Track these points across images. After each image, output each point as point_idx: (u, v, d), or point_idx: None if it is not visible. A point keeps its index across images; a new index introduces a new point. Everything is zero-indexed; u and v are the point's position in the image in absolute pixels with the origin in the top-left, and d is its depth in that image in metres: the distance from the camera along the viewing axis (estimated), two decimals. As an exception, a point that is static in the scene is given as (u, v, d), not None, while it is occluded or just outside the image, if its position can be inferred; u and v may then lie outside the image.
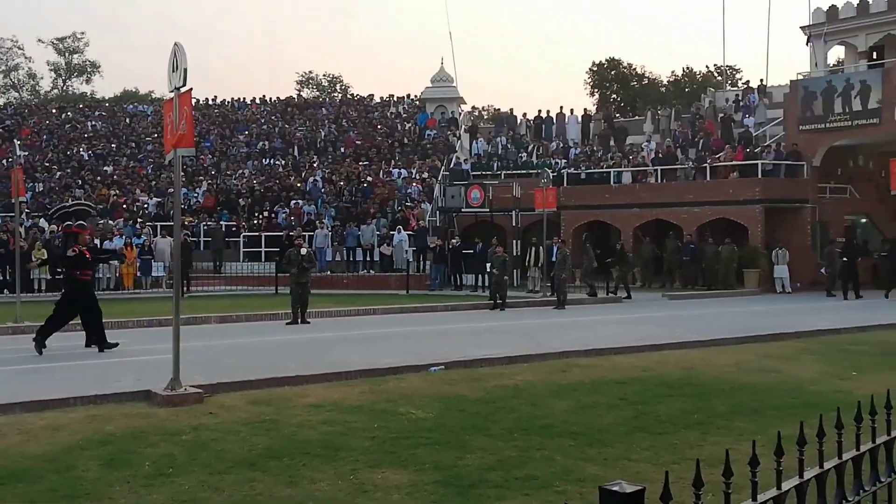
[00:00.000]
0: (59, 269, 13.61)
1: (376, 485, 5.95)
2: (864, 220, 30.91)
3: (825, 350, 12.80)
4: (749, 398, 8.91)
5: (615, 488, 2.29)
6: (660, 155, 31.32)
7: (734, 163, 28.64)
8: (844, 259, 24.41)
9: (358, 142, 37.33)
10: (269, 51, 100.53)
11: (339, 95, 59.05)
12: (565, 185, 30.79)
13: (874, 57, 29.59)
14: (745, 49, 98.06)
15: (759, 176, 27.42)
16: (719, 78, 53.84)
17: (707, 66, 63.56)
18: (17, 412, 8.35)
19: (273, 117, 41.69)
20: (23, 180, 19.62)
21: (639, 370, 10.74)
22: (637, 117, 43.02)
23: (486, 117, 62.76)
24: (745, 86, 37.52)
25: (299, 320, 17.67)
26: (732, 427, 7.56)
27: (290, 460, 6.58)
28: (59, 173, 34.46)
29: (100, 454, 6.79)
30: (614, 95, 64.50)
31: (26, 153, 33.38)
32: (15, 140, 27.22)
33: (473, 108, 63.48)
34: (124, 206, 31.22)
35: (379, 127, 39.40)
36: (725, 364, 11.30)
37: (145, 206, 31.45)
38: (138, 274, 26.15)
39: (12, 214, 21.38)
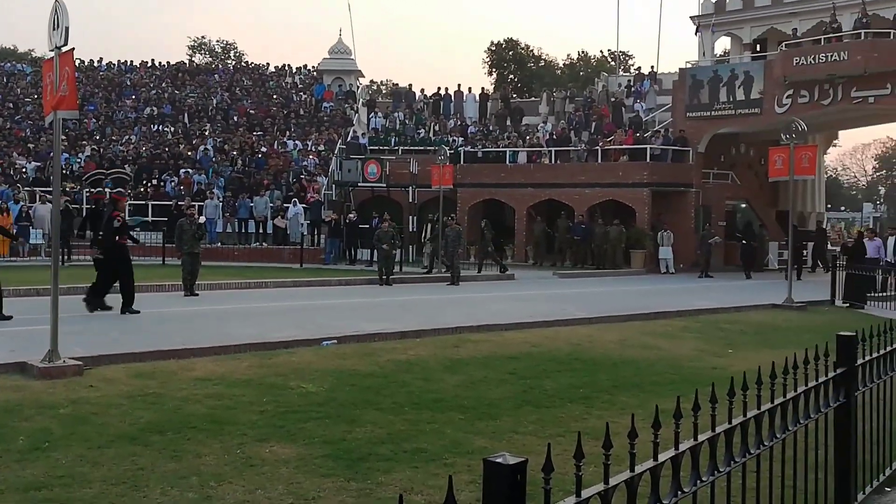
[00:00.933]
0: (99, 234, 13.65)
1: (264, 459, 5.88)
2: (744, 206, 32.41)
3: (704, 328, 13.40)
4: (632, 373, 9.24)
5: (499, 460, 2.32)
6: (554, 136, 31.92)
7: (624, 146, 29.47)
8: (744, 242, 26.24)
9: (252, 111, 36.46)
10: (159, 13, 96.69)
11: (233, 62, 57.41)
12: (462, 162, 30.98)
13: (758, 49, 30.94)
14: (637, 36, 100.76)
15: (648, 160, 28.34)
16: (612, 63, 55.14)
17: (601, 52, 65.13)
18: None
19: (163, 83, 40.17)
20: None
21: (528, 346, 10.97)
22: (533, 98, 43.64)
23: (384, 92, 62.32)
24: (637, 72, 38.63)
25: (188, 292, 17.20)
26: (615, 401, 7.83)
27: (175, 434, 6.43)
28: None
29: (-31, 429, 6.45)
30: (511, 76, 65.17)
31: None
32: None
33: (372, 81, 62.90)
34: (0, 169, 29.53)
35: (274, 97, 38.57)
36: (611, 340, 11.67)
37: (23, 170, 29.84)
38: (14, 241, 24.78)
39: None
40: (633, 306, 16.20)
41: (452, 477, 2.21)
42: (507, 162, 31.07)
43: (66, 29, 9.11)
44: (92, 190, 25.92)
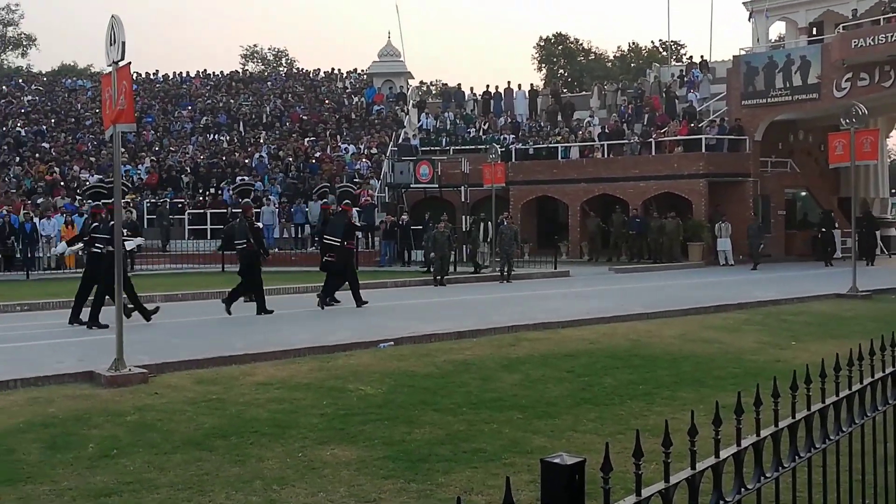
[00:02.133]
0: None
1: (325, 462, 5.95)
2: (803, 194, 31.65)
3: (766, 321, 13.13)
4: (692, 368, 9.10)
5: (556, 460, 2.30)
6: (606, 130, 31.60)
7: (678, 137, 29.04)
8: (823, 230, 26.29)
9: (304, 117, 36.89)
10: (212, 24, 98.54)
11: (285, 69, 58.17)
12: (513, 160, 30.89)
13: (814, 33, 30.18)
14: (689, 25, 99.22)
15: (703, 150, 27.86)
16: (664, 53, 54.41)
17: (652, 42, 64.24)
18: (-47, 396, 8.14)
19: (217, 92, 40.92)
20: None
21: (586, 343, 10.89)
22: (584, 92, 43.26)
23: (433, 92, 62.51)
24: (689, 61, 37.99)
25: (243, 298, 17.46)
26: (676, 397, 7.72)
27: (238, 439, 6.54)
28: (-6, 150, 33.41)
29: (42, 437, 6.66)
30: (561, 70, 64.78)
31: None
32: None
33: (421, 82, 63.04)
34: (63, 183, 30.41)
35: (326, 102, 38.96)
36: (670, 335, 11.52)
37: (86, 182, 30.68)
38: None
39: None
40: (692, 300, 15.94)
41: (511, 477, 2.20)
42: (559, 158, 30.86)
43: (123, 44, 9.32)
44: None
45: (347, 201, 18.95)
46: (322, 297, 15.86)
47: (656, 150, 29.21)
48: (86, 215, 22.75)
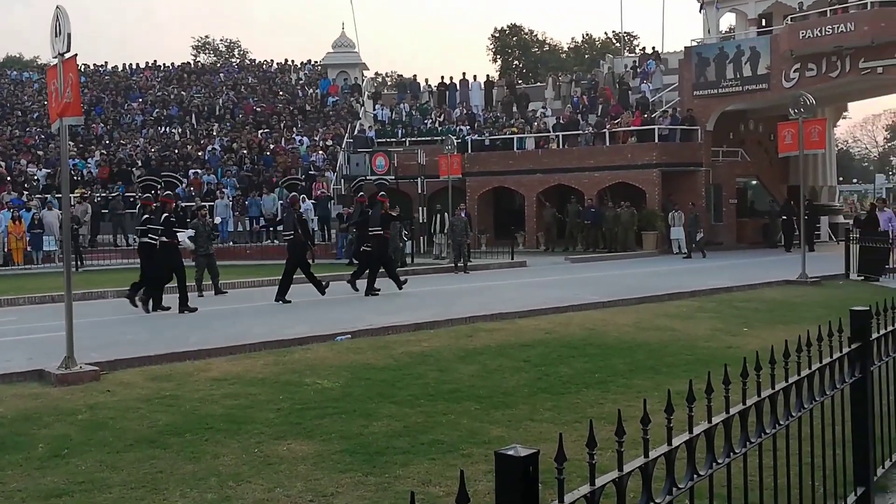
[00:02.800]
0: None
1: (282, 457, 5.90)
2: (754, 182, 32.21)
3: (719, 308, 13.34)
4: (646, 356, 9.21)
5: (510, 452, 2.30)
6: (561, 121, 31.79)
7: (632, 128, 29.34)
8: (784, 217, 27.16)
9: (258, 109, 36.49)
10: (163, 14, 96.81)
11: (238, 61, 57.44)
12: (470, 151, 30.93)
13: (763, 24, 30.67)
14: (641, 16, 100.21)
15: (656, 141, 28.19)
16: (617, 45, 54.89)
17: (605, 33, 64.76)
18: None
19: (168, 84, 40.25)
20: None
21: (542, 332, 10.95)
22: (539, 84, 43.47)
23: (389, 84, 62.26)
24: (642, 52, 38.38)
25: (215, 291, 17.30)
26: (631, 385, 7.81)
27: (193, 436, 6.45)
28: (-64, 144, 32.47)
29: (-11, 438, 6.50)
30: (516, 62, 65.01)
31: None
32: None
33: (376, 74, 62.86)
34: (9, 178, 29.67)
35: (280, 93, 38.58)
36: (625, 324, 11.64)
37: (34, 177, 29.99)
38: (28, 249, 24.97)
39: None
40: (646, 288, 16.14)
41: (468, 468, 2.20)
42: (515, 149, 30.98)
43: (69, 35, 9.12)
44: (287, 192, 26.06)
45: (383, 193, 19.75)
46: (369, 288, 16.59)
47: (610, 140, 29.47)
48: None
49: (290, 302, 15.41)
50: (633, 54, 42.85)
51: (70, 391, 8.07)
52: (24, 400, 7.76)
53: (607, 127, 29.84)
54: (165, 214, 14.66)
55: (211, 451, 6.07)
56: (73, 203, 26.04)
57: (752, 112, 30.69)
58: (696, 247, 25.75)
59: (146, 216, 15.01)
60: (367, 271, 17.06)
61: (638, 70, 34.79)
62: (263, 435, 6.44)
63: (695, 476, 2.91)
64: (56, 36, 9.25)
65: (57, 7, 9.27)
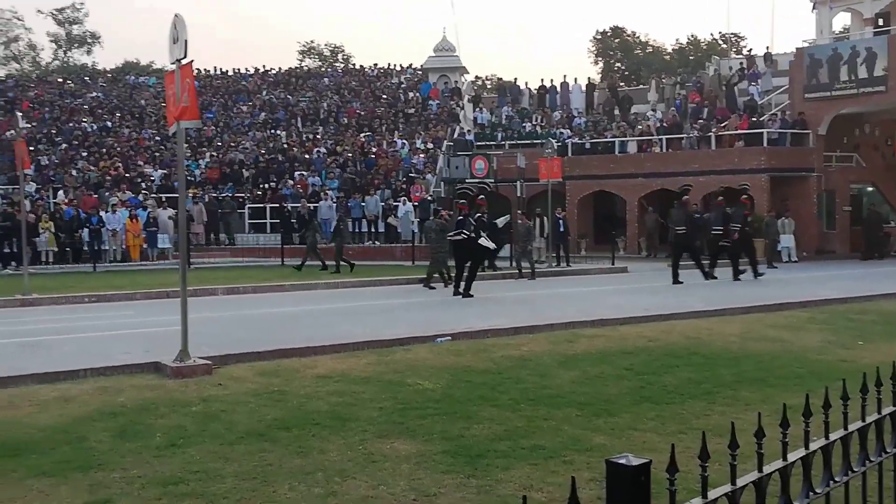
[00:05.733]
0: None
1: (385, 455, 6.02)
2: (870, 189, 30.80)
3: (831, 319, 12.82)
4: (754, 368, 8.95)
5: (622, 461, 2.31)
6: (664, 124, 31.18)
7: (739, 132, 28.51)
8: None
9: (360, 112, 37.19)
10: (271, 20, 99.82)
11: (341, 65, 58.68)
12: (570, 154, 30.69)
13: (880, 24, 29.29)
14: (750, 17, 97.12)
15: (765, 145, 27.31)
16: (724, 46, 53.43)
17: (712, 35, 63.09)
18: (28, 384, 8.44)
19: (275, 88, 41.49)
20: (27, 152, 19.61)
21: (645, 340, 10.79)
22: (641, 86, 42.75)
23: (489, 87, 62.39)
24: (750, 54, 37.23)
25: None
26: (738, 397, 7.61)
27: (300, 431, 6.65)
28: (63, 146, 34.39)
29: (111, 425, 6.86)
30: (618, 64, 64.08)
31: (30, 125, 33.25)
32: (17, 112, 27.14)
33: (476, 77, 63.07)
34: (127, 177, 31.17)
35: (382, 97, 39.21)
36: (731, 333, 11.34)
37: (150, 177, 31.41)
38: (144, 246, 26.20)
39: (16, 186, 21.40)
40: (753, 297, 15.66)
41: (575, 474, 2.21)
42: (617, 152, 30.56)
43: (186, 42, 9.52)
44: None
45: (482, 196, 20.70)
46: (466, 288, 17.20)
47: (716, 144, 28.71)
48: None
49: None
50: (740, 56, 41.60)
51: (184, 384, 8.44)
52: (142, 391, 8.16)
53: (713, 130, 29.09)
54: (478, 216, 17.66)
55: (317, 446, 6.25)
56: (196, 202, 27.23)
57: (869, 115, 29.34)
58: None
59: (459, 218, 17.69)
60: (466, 274, 17.37)
61: (746, 72, 33.77)
62: (367, 433, 6.58)
63: (811, 493, 2.83)
64: (174, 43, 9.67)
65: (175, 15, 9.70)
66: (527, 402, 7.52)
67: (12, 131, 27.55)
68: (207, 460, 5.94)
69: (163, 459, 5.98)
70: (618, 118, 34.16)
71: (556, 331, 11.76)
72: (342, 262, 22.00)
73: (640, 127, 31.99)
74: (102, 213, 25.80)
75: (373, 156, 32.26)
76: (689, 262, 20.28)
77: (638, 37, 65.50)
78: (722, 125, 29.41)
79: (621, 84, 44.22)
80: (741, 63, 35.56)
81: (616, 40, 64.75)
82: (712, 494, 2.42)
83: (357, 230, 28.57)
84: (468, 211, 17.79)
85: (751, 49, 41.25)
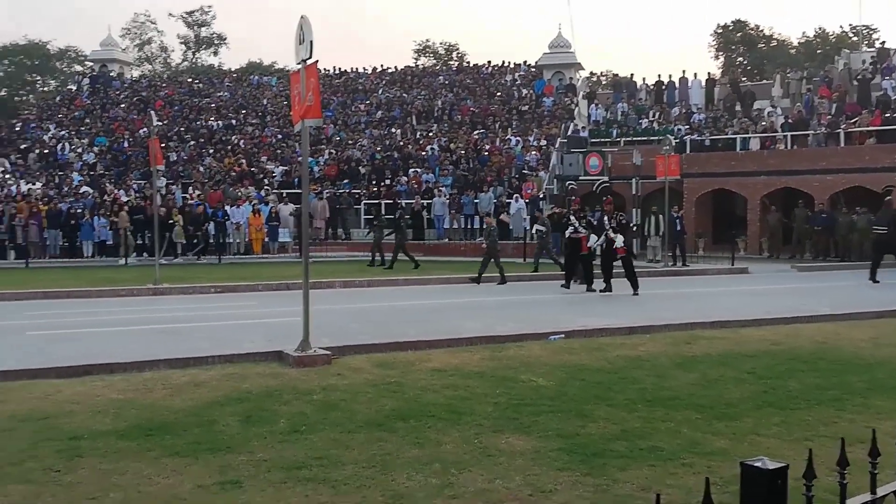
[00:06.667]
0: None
1: (500, 449, 6.05)
2: None
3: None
4: (888, 375, 8.51)
5: (757, 464, 2.26)
6: (789, 120, 29.94)
7: (871, 128, 27.06)
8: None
9: (474, 110, 37.34)
10: (388, 19, 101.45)
11: (456, 63, 59.06)
12: (688, 151, 29.89)
13: None
14: (883, 6, 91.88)
15: (900, 141, 25.81)
16: (854, 38, 50.82)
17: (841, 27, 60.10)
18: (162, 368, 8.91)
19: (392, 86, 42.16)
20: (160, 149, 20.65)
21: (768, 343, 10.42)
22: (765, 81, 41.18)
23: (604, 83, 61.47)
24: (883, 46, 35.27)
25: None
26: (869, 405, 7.25)
27: (416, 422, 6.76)
28: (191, 143, 36.03)
29: (238, 410, 7.16)
30: (740, 59, 61.95)
31: (162, 123, 34.97)
32: (150, 111, 28.66)
33: (591, 73, 62.18)
34: (251, 172, 32.36)
35: (496, 94, 39.25)
36: (861, 339, 10.81)
37: (272, 173, 32.51)
38: (266, 239, 27.18)
39: (148, 182, 22.53)
40: (885, 301, 14.84)
41: (691, 479, 2.18)
42: (738, 149, 29.56)
43: (311, 43, 9.80)
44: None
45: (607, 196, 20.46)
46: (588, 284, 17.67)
47: (846, 141, 27.36)
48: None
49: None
50: (872, 49, 39.47)
51: (306, 373, 8.72)
52: (266, 378, 8.48)
53: (842, 127, 27.73)
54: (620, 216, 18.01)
55: (433, 438, 6.34)
56: (319, 198, 28.06)
57: None
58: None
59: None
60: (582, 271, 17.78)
61: (879, 65, 32.01)
62: (482, 427, 6.63)
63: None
64: (300, 44, 9.97)
65: (301, 17, 9.99)
66: (643, 402, 7.40)
67: (146, 129, 29.10)
68: (328, 447, 6.12)
69: (287, 445, 6.20)
70: (739, 114, 33.02)
71: (673, 331, 11.51)
72: (402, 258, 22.41)
73: (763, 123, 30.82)
74: (227, 208, 26.88)
75: (486, 153, 32.35)
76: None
77: (762, 30, 63.07)
78: (852, 121, 27.99)
79: (743, 79, 42.74)
80: (873, 56, 33.74)
81: (738, 34, 62.55)
82: (851, 503, 2.33)
83: (469, 227, 28.72)
84: (611, 209, 18.03)
85: (884, 41, 39.17)
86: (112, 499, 5.09)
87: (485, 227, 21.57)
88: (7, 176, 29.90)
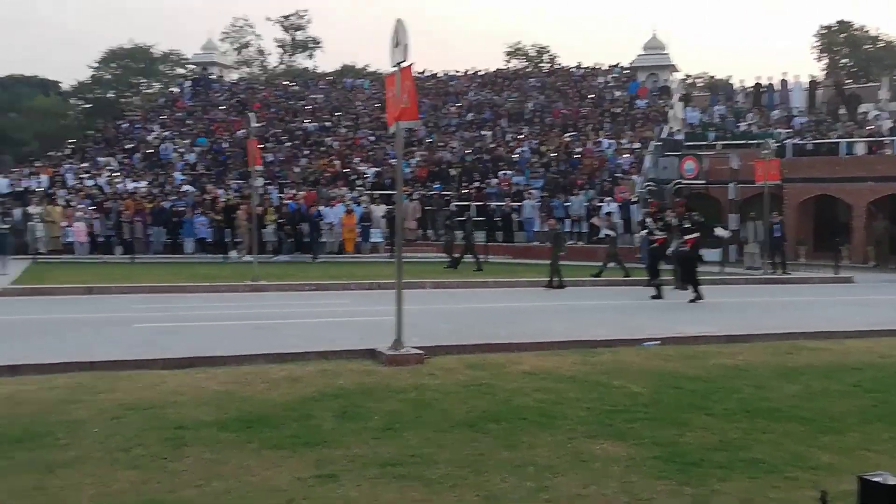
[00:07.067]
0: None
1: (595, 455, 5.97)
2: None
3: None
4: None
5: (878, 479, 2.17)
6: (899, 124, 28.62)
7: None
8: None
9: (565, 112, 37.04)
10: (479, 21, 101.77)
11: (547, 65, 58.73)
12: (789, 156, 28.89)
13: None
14: None
15: None
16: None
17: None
18: (260, 363, 9.15)
19: (482, 89, 42.22)
20: (258, 150, 21.22)
21: (875, 356, 9.98)
22: (871, 83, 39.48)
23: (699, 85, 60.05)
24: None
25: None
26: None
27: (508, 424, 6.75)
28: (287, 144, 36.89)
29: (333, 406, 7.29)
30: (845, 60, 59.60)
31: (259, 125, 35.93)
32: (248, 113, 29.42)
33: (687, 76, 60.87)
34: (344, 174, 32.91)
35: (589, 97, 38.84)
36: (978, 354, 10.24)
37: (364, 175, 32.98)
38: (359, 239, 27.61)
39: (246, 182, 23.14)
40: None
41: (793, 494, 2.10)
42: (842, 154, 28.42)
43: (406, 46, 9.90)
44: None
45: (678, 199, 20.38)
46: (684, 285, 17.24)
47: (961, 146, 25.98)
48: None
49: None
50: None
51: (398, 371, 8.81)
52: (360, 375, 8.61)
53: (957, 131, 26.35)
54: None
55: (526, 441, 6.31)
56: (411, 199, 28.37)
57: None
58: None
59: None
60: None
61: None
62: (575, 432, 6.57)
63: None
64: (395, 47, 10.08)
65: (397, 20, 10.11)
66: (743, 413, 7.19)
67: (245, 130, 29.94)
68: (422, 445, 6.17)
69: (381, 441, 6.27)
70: (844, 118, 31.75)
71: (773, 341, 11.15)
72: (465, 258, 22.45)
73: (869, 127, 29.55)
74: (321, 208, 27.43)
75: (577, 155, 32.04)
76: None
77: (867, 31, 60.52)
78: (969, 125, 26.57)
79: (848, 81, 41.07)
80: None
81: (842, 35, 60.20)
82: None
83: (560, 231, 28.45)
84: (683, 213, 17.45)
85: None
86: (215, 487, 5.26)
87: (548, 229, 21.48)
88: (115, 175, 31.21)
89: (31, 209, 24.87)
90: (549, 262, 19.02)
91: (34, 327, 12.06)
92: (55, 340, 10.80)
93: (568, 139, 33.83)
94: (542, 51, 69.31)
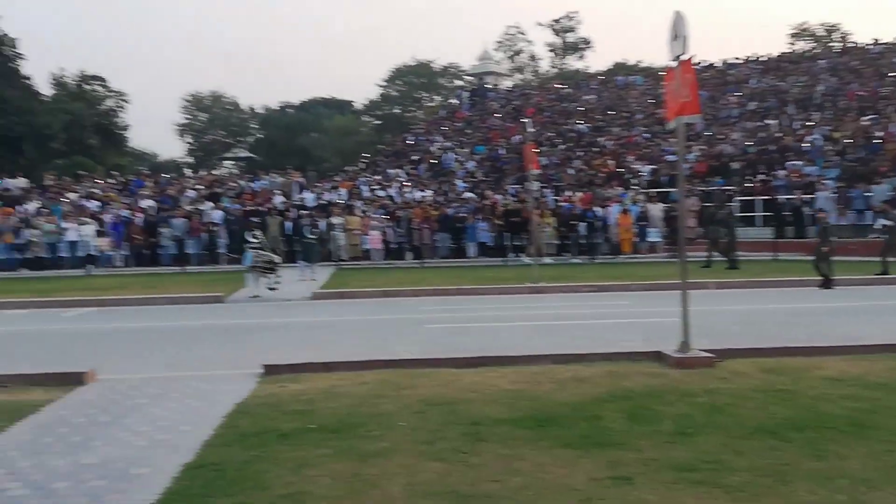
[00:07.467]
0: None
1: (919, 471, 5.42)
2: None
3: None
4: None
5: None
6: None
7: None
8: None
9: (862, 93, 33.79)
10: (757, 6, 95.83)
11: (839, 45, 53.94)
12: None
13: None
14: None
15: None
16: None
17: None
18: (545, 363, 9.35)
19: (765, 75, 39.78)
20: (534, 154, 21.68)
21: None
22: None
23: None
24: None
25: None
26: None
27: (813, 433, 6.32)
28: (561, 146, 37.30)
29: (622, 408, 7.26)
30: None
31: (534, 129, 36.69)
32: (522, 119, 30.17)
33: None
34: (619, 172, 32.59)
35: (890, 75, 35.14)
36: None
37: (640, 173, 32.44)
38: (636, 239, 27.22)
39: (522, 186, 23.69)
40: None
41: None
42: None
43: (685, 38, 9.60)
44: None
45: None
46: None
47: None
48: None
49: None
50: None
51: (687, 374, 8.57)
52: (646, 377, 8.49)
53: None
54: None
55: (835, 451, 5.88)
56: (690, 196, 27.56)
57: None
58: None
59: None
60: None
61: None
62: (893, 443, 6.00)
63: None
64: (674, 40, 9.81)
65: (675, 12, 9.81)
66: None
67: (520, 136, 30.73)
68: (717, 451, 5.96)
69: (673, 445, 6.15)
70: None
71: None
72: (726, 258, 21.23)
73: None
74: (597, 209, 27.39)
75: (878, 140, 29.09)
76: None
77: None
78: None
79: None
80: None
81: None
82: None
83: (859, 223, 26.03)
84: None
85: None
86: (514, 483, 5.47)
87: (816, 223, 19.66)
88: (404, 185, 33.44)
89: (334, 220, 27.33)
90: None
91: (343, 328, 13.29)
92: (360, 340, 11.82)
93: (866, 123, 30.86)
94: (831, 29, 63.95)
